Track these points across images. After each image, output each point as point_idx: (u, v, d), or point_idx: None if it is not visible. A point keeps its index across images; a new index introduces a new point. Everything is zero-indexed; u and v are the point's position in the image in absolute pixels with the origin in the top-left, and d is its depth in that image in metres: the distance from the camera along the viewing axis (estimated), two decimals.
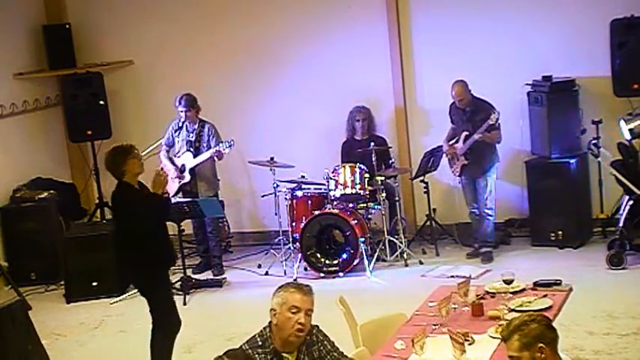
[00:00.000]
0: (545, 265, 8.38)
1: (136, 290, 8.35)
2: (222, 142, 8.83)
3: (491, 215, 8.83)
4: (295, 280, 8.26)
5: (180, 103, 8.93)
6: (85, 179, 10.43)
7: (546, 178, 8.97)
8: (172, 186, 8.80)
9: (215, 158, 8.93)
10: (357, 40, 9.64)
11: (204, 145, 8.93)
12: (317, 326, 4.53)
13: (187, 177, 8.97)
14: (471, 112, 8.73)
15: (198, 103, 8.98)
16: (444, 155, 9.06)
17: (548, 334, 3.76)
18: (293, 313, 4.30)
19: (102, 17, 10.33)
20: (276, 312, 4.34)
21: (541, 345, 3.70)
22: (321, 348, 4.46)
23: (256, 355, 4.27)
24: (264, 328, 4.41)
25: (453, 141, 8.91)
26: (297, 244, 8.87)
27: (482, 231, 8.87)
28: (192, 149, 8.97)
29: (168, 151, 9.12)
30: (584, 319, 6.87)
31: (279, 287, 4.43)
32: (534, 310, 4.77)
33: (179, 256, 8.14)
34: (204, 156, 8.88)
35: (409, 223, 9.66)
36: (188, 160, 8.96)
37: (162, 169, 7.29)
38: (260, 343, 4.35)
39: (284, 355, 4.35)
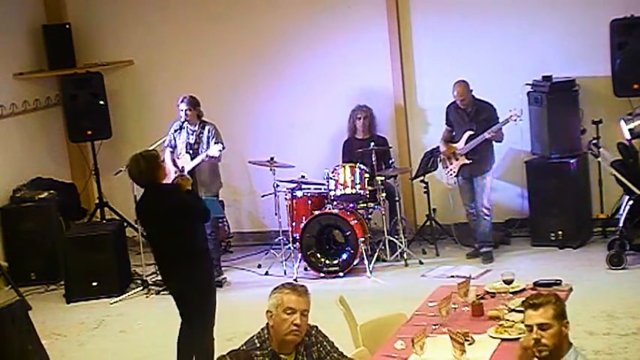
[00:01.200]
0: (545, 265, 8.39)
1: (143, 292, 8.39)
2: (217, 142, 8.75)
3: (488, 215, 8.82)
4: (295, 280, 8.27)
5: (182, 101, 8.87)
6: (85, 179, 10.41)
7: (546, 178, 8.97)
8: None
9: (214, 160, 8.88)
10: (357, 40, 9.63)
11: (203, 147, 8.85)
12: (316, 327, 4.51)
13: None
14: (475, 112, 8.73)
15: (200, 107, 8.91)
16: (441, 156, 9.05)
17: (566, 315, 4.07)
18: (288, 314, 4.27)
19: (102, 17, 10.33)
20: (272, 313, 4.32)
21: (567, 320, 4.00)
22: (321, 349, 4.44)
23: (255, 357, 4.25)
24: (262, 329, 4.39)
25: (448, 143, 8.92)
26: (297, 244, 8.86)
27: (481, 231, 8.86)
28: (190, 151, 8.91)
29: (172, 152, 9.04)
30: (584, 319, 6.85)
31: (275, 288, 4.40)
32: None
33: None
34: (197, 160, 8.81)
35: (409, 223, 9.66)
36: (186, 163, 8.92)
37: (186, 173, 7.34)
38: (258, 344, 4.33)
39: (282, 356, 4.33)
